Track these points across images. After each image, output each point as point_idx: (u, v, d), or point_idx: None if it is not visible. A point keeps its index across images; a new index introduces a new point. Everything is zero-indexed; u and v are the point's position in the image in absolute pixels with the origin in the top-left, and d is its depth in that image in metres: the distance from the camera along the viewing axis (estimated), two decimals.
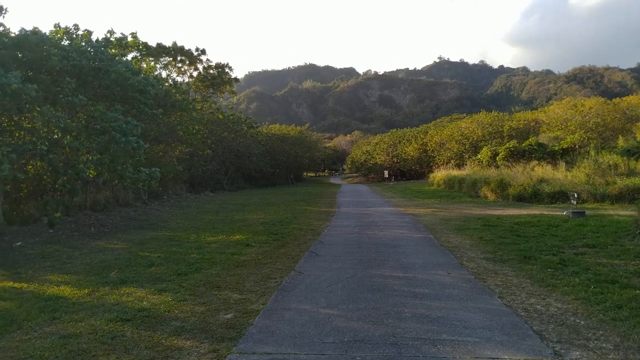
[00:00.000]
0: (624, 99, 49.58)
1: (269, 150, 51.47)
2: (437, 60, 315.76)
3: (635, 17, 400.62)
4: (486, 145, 37.55)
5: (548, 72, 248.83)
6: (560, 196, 20.39)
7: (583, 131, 34.97)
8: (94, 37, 16.25)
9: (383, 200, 24.67)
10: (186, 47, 30.79)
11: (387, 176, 55.05)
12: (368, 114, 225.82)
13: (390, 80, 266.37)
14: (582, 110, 42.35)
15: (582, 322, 5.06)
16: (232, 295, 6.27)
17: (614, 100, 48.66)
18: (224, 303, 5.88)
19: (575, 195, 16.01)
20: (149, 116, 14.89)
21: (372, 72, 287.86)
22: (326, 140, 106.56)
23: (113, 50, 22.18)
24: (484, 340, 4.48)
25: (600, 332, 4.77)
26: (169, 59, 30.84)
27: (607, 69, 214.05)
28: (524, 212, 16.96)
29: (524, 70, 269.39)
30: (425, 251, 9.39)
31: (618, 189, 19.26)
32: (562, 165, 26.52)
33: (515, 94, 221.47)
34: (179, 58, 30.73)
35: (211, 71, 32.42)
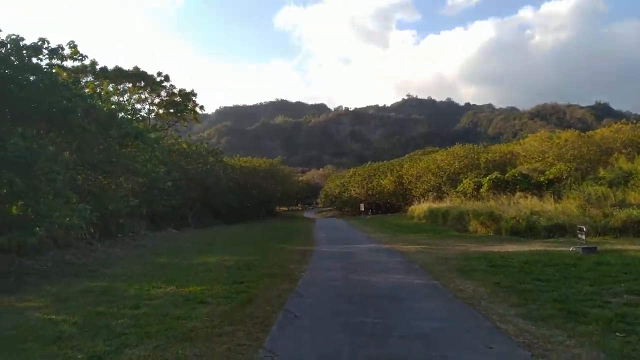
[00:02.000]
0: (596, 131, 49.86)
1: (239, 183, 48.90)
2: (406, 98, 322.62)
3: (591, 59, 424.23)
4: (466, 177, 36.16)
5: (513, 109, 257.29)
6: (557, 230, 18.73)
7: (563, 163, 34.04)
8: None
9: (364, 236, 22.44)
10: (148, 73, 28.65)
11: (363, 209, 53.08)
12: (340, 148, 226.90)
13: (360, 116, 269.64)
14: (558, 143, 41.89)
15: None
16: None
17: (587, 133, 48.84)
18: None
19: (584, 230, 14.22)
20: (87, 141, 12.44)
21: (343, 108, 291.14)
22: (299, 174, 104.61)
23: (64, 74, 19.70)
24: None
25: None
26: (128, 85, 28.53)
27: (569, 106, 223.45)
28: (524, 248, 15.05)
29: (490, 107, 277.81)
30: (439, 306, 7.15)
31: (621, 222, 17.69)
32: (549, 196, 25.09)
33: (482, 130, 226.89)
34: (139, 84, 28.43)
35: (175, 99, 30.17)
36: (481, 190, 30.53)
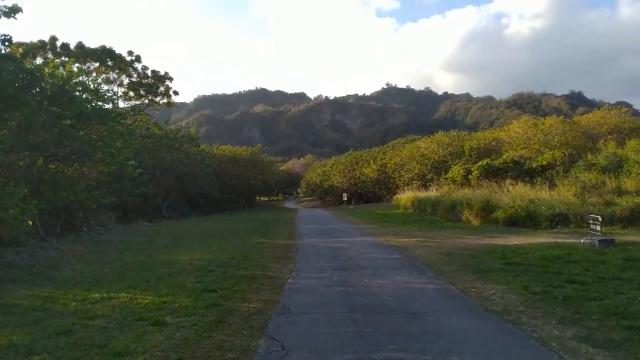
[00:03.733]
0: (582, 117, 49.20)
1: (217, 173, 46.65)
2: (385, 87, 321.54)
3: (565, 47, 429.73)
4: (454, 164, 34.79)
5: (490, 98, 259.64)
6: (559, 219, 17.41)
7: (556, 149, 32.88)
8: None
9: (352, 228, 20.75)
10: (117, 51, 26.09)
11: (345, 199, 51.46)
12: (320, 137, 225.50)
13: (340, 105, 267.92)
14: (543, 129, 40.99)
15: None
16: None
17: (573, 118, 48.25)
18: None
19: (599, 219, 12.79)
20: (27, 118, 10.33)
21: (323, 97, 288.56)
22: (279, 163, 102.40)
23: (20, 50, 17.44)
24: None
25: None
26: (96, 65, 26.00)
27: (544, 95, 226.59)
28: (531, 240, 13.63)
29: (467, 96, 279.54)
30: (472, 327, 5.44)
31: (629, 210, 16.43)
32: (541, 184, 23.84)
33: (460, 119, 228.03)
34: (107, 64, 25.89)
35: (146, 81, 27.72)
36: (470, 177, 29.17)
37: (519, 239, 14.05)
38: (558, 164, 27.52)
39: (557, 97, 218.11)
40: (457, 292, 7.21)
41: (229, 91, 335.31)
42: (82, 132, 13.90)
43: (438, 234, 16.51)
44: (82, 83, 16.62)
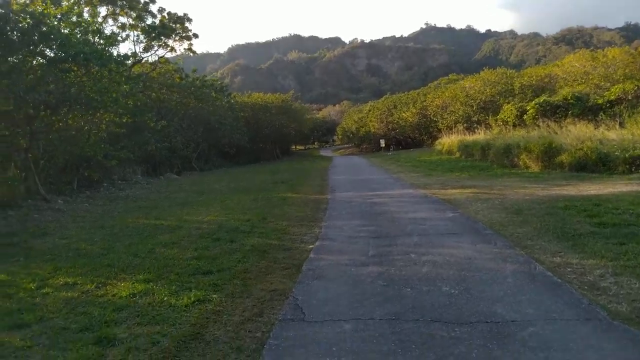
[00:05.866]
0: None
1: (249, 122, 44.74)
2: (424, 27, 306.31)
3: None
4: (506, 103, 31.34)
5: (536, 35, 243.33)
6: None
7: (611, 84, 28.67)
8: None
9: (392, 178, 18.43)
10: None
11: (383, 146, 48.72)
12: (356, 83, 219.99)
13: (377, 48, 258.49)
14: (605, 62, 36.29)
15: None
16: None
17: (638, 48, 42.99)
18: None
19: None
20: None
21: (359, 41, 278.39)
22: (314, 111, 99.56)
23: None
24: None
25: None
26: (107, 8, 23.83)
27: (596, 29, 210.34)
28: (610, 189, 11.01)
29: (512, 33, 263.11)
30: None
31: None
32: (608, 122, 20.53)
33: (503, 58, 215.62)
34: (119, 5, 23.65)
35: (163, 22, 25.30)
36: (525, 117, 25.90)
37: (596, 188, 11.43)
38: (630, 97, 23.79)
39: (611, 30, 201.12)
40: (550, 277, 4.93)
41: (262, 39, 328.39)
42: (69, 75, 11.95)
43: (494, 183, 14.00)
44: (80, 22, 14.51)
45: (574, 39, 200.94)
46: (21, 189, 12.73)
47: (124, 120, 17.42)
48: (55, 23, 12.87)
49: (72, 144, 15.01)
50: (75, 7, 17.98)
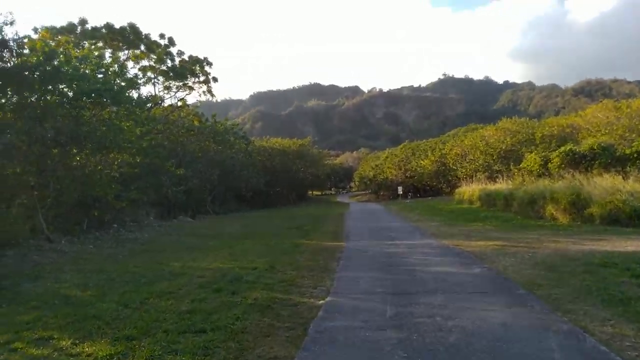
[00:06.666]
0: None
1: (266, 166, 44.73)
2: (442, 77, 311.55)
3: (634, 30, 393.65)
4: (528, 153, 30.58)
5: (554, 86, 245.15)
6: None
7: (637, 135, 27.79)
8: None
9: (410, 226, 17.60)
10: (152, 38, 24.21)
11: (401, 193, 47.90)
12: (373, 131, 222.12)
13: (395, 97, 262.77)
14: (629, 112, 35.58)
15: None
16: None
17: None
18: None
19: None
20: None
21: (377, 90, 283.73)
22: (332, 157, 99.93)
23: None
24: None
25: None
26: (129, 52, 24.32)
27: (615, 81, 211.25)
28: None
29: (530, 84, 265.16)
30: None
31: None
32: (638, 173, 19.51)
33: (522, 109, 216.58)
34: (141, 49, 24.05)
35: (184, 65, 25.73)
36: (550, 166, 25.02)
37: (634, 244, 10.44)
38: None
39: (630, 82, 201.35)
40: (607, 354, 4.07)
41: (283, 87, 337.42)
42: (84, 113, 11.77)
43: (520, 235, 13.07)
44: (99, 64, 14.57)
45: (593, 90, 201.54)
46: (26, 228, 12.30)
47: (138, 161, 17.17)
48: (76, 63, 12.92)
49: (82, 182, 14.70)
50: (94, 50, 18.27)
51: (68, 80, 10.99)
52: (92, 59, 14.74)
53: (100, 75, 14.05)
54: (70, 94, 12.00)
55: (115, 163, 15.85)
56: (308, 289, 6.99)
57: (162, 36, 23.72)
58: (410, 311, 5.54)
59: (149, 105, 20.92)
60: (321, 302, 6.17)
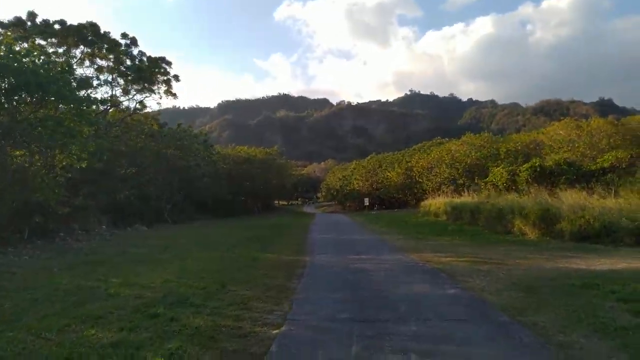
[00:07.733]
0: (633, 117, 44.74)
1: (232, 174, 43.35)
2: (408, 93, 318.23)
3: (592, 55, 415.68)
4: (494, 167, 30.65)
5: (516, 105, 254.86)
6: None
7: (621, 149, 28.39)
8: None
9: (377, 240, 16.85)
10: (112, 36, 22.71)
11: (367, 204, 47.49)
12: (341, 143, 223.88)
13: (363, 110, 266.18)
14: (589, 130, 36.65)
15: None
16: None
17: (621, 120, 44.07)
18: None
19: None
20: None
21: (345, 103, 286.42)
22: (299, 167, 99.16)
23: None
24: None
25: None
26: (86, 50, 22.75)
27: (572, 102, 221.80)
28: (627, 264, 9.61)
29: (492, 102, 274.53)
30: None
31: None
32: (602, 190, 19.54)
33: (484, 125, 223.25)
34: (102, 49, 22.50)
35: (142, 65, 24.24)
36: (517, 180, 25.01)
37: (607, 262, 10.04)
38: (624, 166, 23.15)
39: (586, 104, 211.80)
40: None
41: (252, 96, 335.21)
42: (21, 107, 10.47)
43: (491, 251, 12.53)
44: (39, 55, 13.24)
45: (552, 110, 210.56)
46: None
47: (84, 165, 15.73)
48: (16, 56, 11.61)
49: (22, 186, 13.25)
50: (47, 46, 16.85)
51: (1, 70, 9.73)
52: (37, 53, 13.40)
53: (42, 71, 12.73)
54: (5, 85, 10.69)
55: (60, 166, 14.41)
56: (262, 314, 6.02)
57: (124, 35, 22.27)
58: (379, 345, 4.67)
59: (104, 107, 19.44)
60: (275, 331, 5.22)
